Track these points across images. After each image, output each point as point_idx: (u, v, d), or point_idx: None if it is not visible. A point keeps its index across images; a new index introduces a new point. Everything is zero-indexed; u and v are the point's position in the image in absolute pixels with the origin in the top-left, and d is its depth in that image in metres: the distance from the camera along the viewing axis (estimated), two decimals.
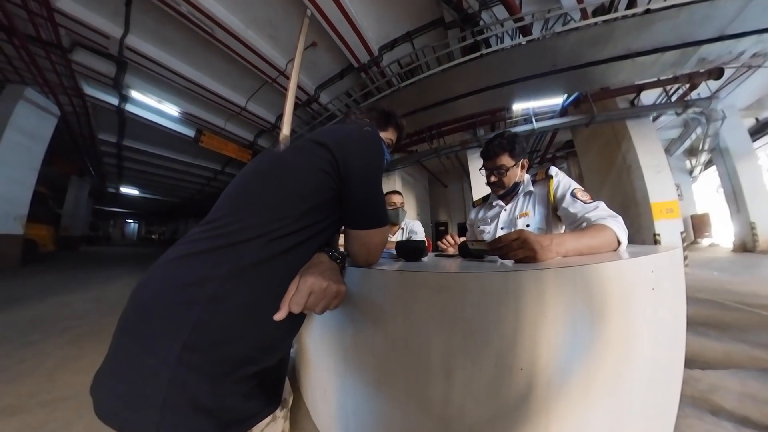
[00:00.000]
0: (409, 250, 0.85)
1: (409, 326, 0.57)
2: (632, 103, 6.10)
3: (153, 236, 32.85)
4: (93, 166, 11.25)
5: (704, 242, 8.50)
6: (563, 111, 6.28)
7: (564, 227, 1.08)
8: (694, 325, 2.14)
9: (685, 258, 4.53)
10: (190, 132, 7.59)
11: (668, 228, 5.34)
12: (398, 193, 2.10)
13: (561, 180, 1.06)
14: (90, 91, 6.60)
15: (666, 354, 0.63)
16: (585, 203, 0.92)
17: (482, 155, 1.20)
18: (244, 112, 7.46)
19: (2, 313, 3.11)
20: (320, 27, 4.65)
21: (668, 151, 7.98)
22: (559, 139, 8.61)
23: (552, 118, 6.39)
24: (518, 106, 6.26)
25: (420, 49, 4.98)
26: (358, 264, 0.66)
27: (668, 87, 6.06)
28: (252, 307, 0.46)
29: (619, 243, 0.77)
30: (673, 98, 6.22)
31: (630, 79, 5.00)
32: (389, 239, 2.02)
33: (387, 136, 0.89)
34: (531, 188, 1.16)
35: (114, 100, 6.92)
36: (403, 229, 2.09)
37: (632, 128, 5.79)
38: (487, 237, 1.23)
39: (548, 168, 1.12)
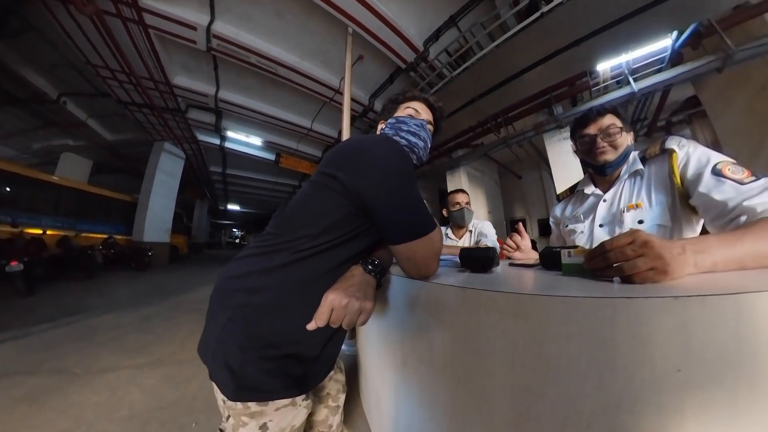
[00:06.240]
0: (474, 260, 0.69)
1: (471, 353, 0.48)
2: None
3: (236, 240, 44.09)
4: (209, 191, 15.19)
5: None
6: (676, 57, 4.65)
7: (701, 225, 0.75)
8: None
9: None
10: (271, 156, 8.95)
11: None
12: (463, 191, 1.89)
13: (692, 152, 0.72)
14: (201, 137, 8.72)
15: None
16: (740, 183, 0.59)
17: (581, 120, 0.91)
18: (311, 133, 8.34)
19: (158, 294, 4.59)
20: (363, 40, 4.79)
21: None
22: (675, 98, 6.18)
23: (659, 71, 4.80)
24: (605, 66, 4.96)
25: (467, 30, 4.55)
26: (412, 277, 0.62)
27: None
28: (277, 301, 0.56)
29: None
30: None
31: None
32: (456, 244, 1.85)
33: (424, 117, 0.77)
34: (640, 166, 0.83)
35: (216, 141, 9.02)
36: (471, 231, 1.87)
37: None
38: (581, 239, 0.95)
39: (664, 139, 0.79)
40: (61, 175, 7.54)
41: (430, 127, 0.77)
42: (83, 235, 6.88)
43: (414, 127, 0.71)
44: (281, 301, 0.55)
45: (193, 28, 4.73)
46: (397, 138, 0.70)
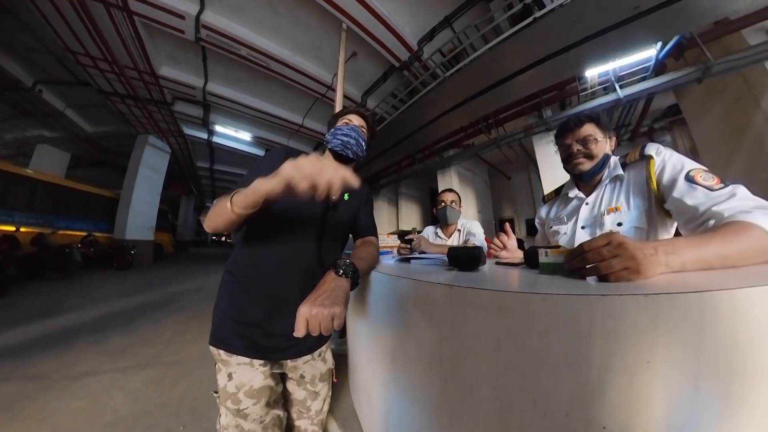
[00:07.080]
0: (462, 259, 0.71)
1: (458, 350, 0.50)
2: None
3: (222, 238, 43.18)
4: (195, 187, 14.92)
5: None
6: (659, 67, 4.84)
7: (675, 228, 0.79)
8: None
9: None
10: (260, 152, 8.89)
11: None
12: (450, 191, 1.90)
13: (667, 159, 0.76)
14: (188, 131, 8.45)
15: None
16: (710, 190, 0.63)
17: (560, 129, 0.95)
18: (302, 129, 8.23)
19: (141, 295, 4.46)
20: (357, 36, 4.75)
21: None
22: (657, 105, 6.46)
23: (643, 79, 4.97)
24: (593, 72, 5.10)
25: (461, 31, 4.57)
26: None
27: None
28: (241, 278, 0.74)
29: None
30: None
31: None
32: (445, 243, 1.85)
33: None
34: (620, 171, 0.87)
35: (204, 135, 8.74)
36: (459, 231, 1.88)
37: None
38: (564, 240, 0.99)
39: (644, 146, 0.83)
40: (35, 168, 7.14)
41: (363, 129, 0.92)
42: (60, 232, 6.53)
43: (345, 129, 0.86)
44: (243, 278, 0.74)
45: (182, 17, 4.56)
46: (334, 141, 0.86)
